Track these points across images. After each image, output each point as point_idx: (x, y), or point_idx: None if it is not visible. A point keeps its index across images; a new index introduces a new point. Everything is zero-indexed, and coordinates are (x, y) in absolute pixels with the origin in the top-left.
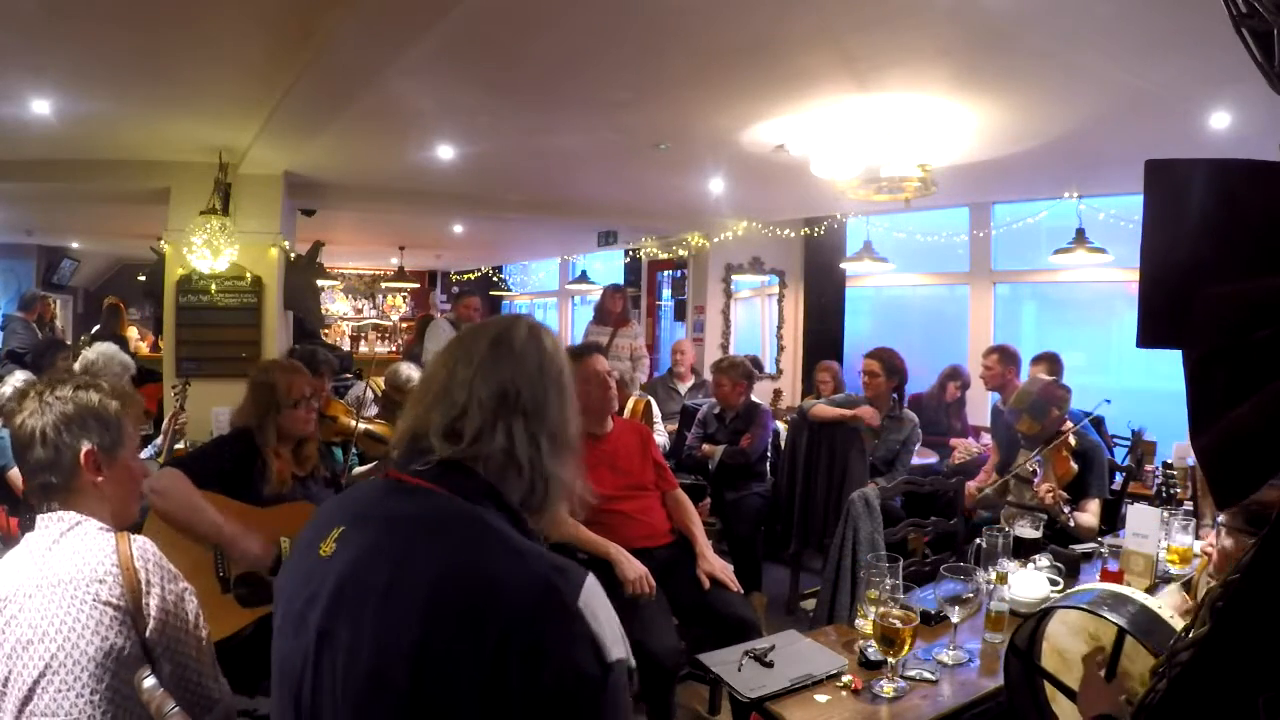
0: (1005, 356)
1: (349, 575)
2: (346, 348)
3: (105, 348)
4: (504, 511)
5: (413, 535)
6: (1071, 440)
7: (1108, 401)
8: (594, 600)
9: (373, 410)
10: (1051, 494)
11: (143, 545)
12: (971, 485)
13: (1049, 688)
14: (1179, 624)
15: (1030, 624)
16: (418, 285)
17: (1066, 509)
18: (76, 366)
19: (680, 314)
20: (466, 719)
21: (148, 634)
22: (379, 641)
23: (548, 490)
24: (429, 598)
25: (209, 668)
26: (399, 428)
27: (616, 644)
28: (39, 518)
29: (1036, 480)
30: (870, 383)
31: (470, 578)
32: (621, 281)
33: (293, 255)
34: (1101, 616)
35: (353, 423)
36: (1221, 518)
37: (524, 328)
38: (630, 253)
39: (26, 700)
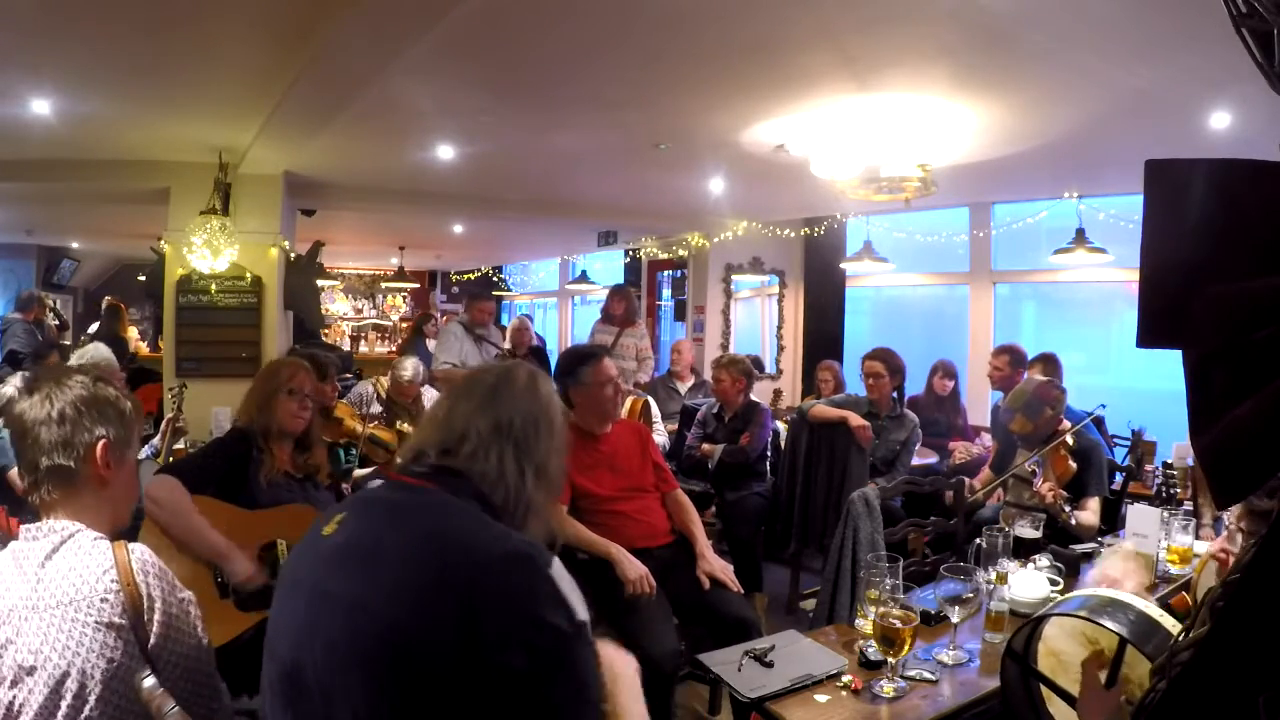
0: (1015, 358)
1: (345, 544)
2: (346, 348)
3: (93, 350)
4: (488, 513)
5: (404, 512)
6: (1070, 440)
7: (1104, 406)
8: (562, 575)
9: (376, 408)
10: (1052, 493)
11: (142, 556)
12: (975, 483)
13: (1044, 690)
14: (1176, 628)
15: (1026, 628)
16: (418, 285)
17: (1067, 507)
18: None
19: (680, 314)
20: (442, 673)
21: (150, 646)
22: (364, 587)
23: (526, 513)
24: (409, 554)
25: (213, 674)
26: (405, 446)
27: (583, 610)
28: (24, 528)
29: (1036, 480)
30: (876, 384)
31: (446, 537)
32: (622, 281)
33: (293, 255)
34: (1102, 625)
35: (357, 426)
36: (1228, 519)
37: (524, 373)
38: (630, 253)
39: None
